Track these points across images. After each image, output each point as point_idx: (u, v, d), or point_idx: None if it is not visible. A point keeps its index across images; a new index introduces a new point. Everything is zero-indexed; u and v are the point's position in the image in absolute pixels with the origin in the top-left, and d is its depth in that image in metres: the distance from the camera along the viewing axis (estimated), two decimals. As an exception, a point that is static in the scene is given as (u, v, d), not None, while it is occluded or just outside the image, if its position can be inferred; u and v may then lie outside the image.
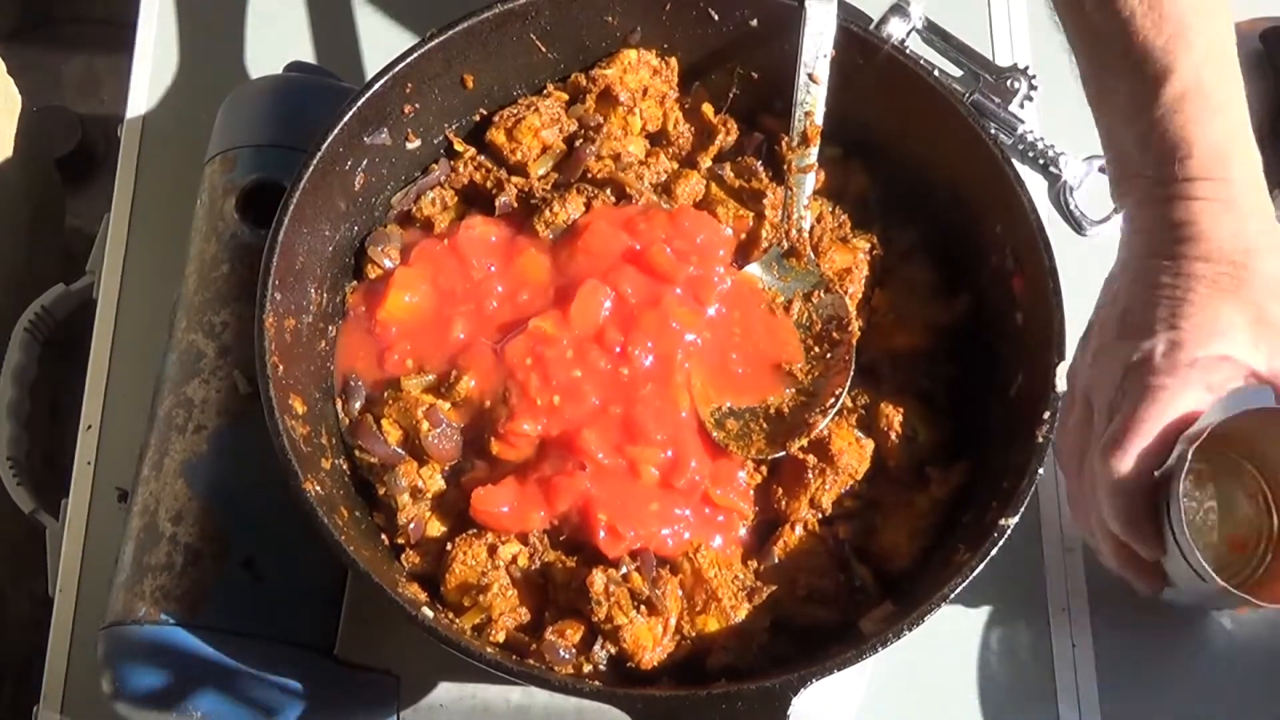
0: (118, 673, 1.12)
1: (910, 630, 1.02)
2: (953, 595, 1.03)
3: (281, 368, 1.10)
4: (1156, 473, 1.10)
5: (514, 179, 1.26)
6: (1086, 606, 1.30)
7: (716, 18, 1.25)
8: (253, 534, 1.16)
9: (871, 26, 1.45)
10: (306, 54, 1.38)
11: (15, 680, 1.86)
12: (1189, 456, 1.08)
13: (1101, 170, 1.45)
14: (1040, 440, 1.08)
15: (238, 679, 1.12)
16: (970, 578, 1.03)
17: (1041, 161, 1.45)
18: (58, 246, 1.95)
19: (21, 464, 1.42)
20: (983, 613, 1.28)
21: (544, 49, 1.25)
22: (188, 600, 1.13)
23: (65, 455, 1.36)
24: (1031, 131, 1.44)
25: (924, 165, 1.26)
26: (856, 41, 1.23)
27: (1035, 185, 1.44)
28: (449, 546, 1.13)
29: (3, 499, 1.41)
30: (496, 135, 1.26)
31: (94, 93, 2.52)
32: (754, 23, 1.24)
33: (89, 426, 1.35)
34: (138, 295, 1.40)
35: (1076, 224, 1.44)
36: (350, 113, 1.16)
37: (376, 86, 1.17)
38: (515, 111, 1.27)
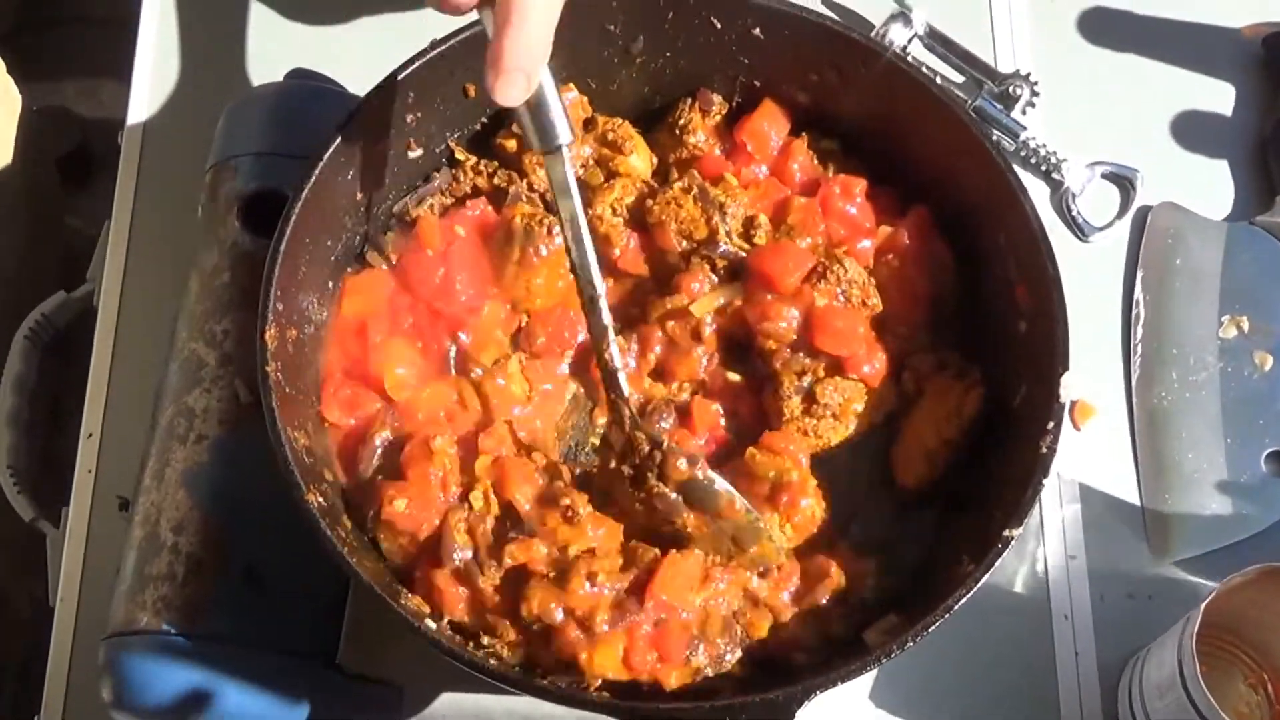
0: (119, 683, 1.12)
1: (914, 642, 1.02)
2: (957, 607, 1.03)
3: (284, 379, 1.10)
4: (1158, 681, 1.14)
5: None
6: (1090, 613, 1.30)
7: (719, 26, 1.24)
8: (254, 544, 1.15)
9: (873, 33, 1.44)
10: (308, 61, 1.37)
11: (15, 682, 1.86)
12: (1193, 649, 1.09)
13: (1103, 176, 1.45)
14: (1044, 451, 1.08)
15: (239, 689, 1.11)
16: (974, 589, 1.03)
17: (1044, 168, 1.45)
18: (57, 247, 1.95)
19: (22, 472, 1.42)
20: (985, 619, 1.27)
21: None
22: (189, 610, 1.12)
23: (66, 463, 1.36)
24: (1034, 138, 1.44)
25: (927, 173, 1.26)
26: (858, 50, 1.23)
27: (1038, 192, 1.44)
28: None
29: (3, 506, 1.41)
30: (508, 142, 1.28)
31: (94, 93, 2.51)
32: (756, 31, 1.24)
33: (89, 435, 1.35)
34: (138, 303, 1.39)
35: (1079, 230, 1.44)
36: (352, 121, 1.15)
37: (379, 95, 1.17)
38: None
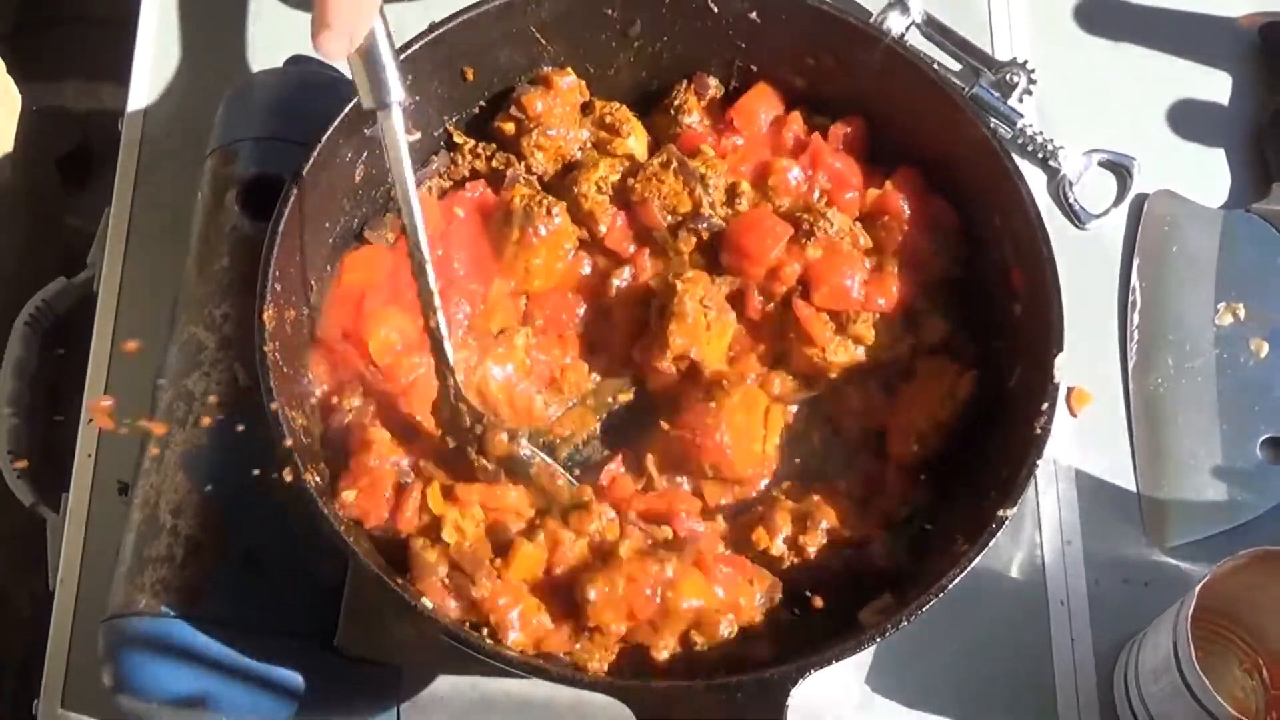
0: (118, 665, 1.12)
1: (909, 621, 1.02)
2: (950, 586, 1.03)
3: (281, 359, 1.10)
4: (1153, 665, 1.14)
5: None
6: (1085, 599, 1.30)
7: (716, 10, 1.25)
8: (253, 526, 1.15)
9: (871, 20, 1.45)
10: (307, 47, 1.38)
11: (16, 676, 1.86)
12: (1189, 633, 1.09)
13: (1100, 164, 1.46)
14: (1038, 431, 1.09)
15: (238, 671, 1.11)
16: (968, 569, 1.03)
17: (1041, 155, 1.45)
18: (57, 247, 1.95)
19: (22, 457, 1.42)
20: (982, 604, 1.27)
21: (544, 41, 1.26)
22: (188, 592, 1.12)
23: (66, 449, 1.36)
24: (1030, 125, 1.44)
25: (923, 158, 1.26)
26: (856, 35, 1.24)
27: (1034, 179, 1.43)
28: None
29: (3, 494, 1.41)
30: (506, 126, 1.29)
31: (94, 92, 2.51)
32: (753, 15, 1.25)
33: (90, 420, 1.35)
34: (138, 289, 1.40)
35: (1075, 217, 1.44)
36: (350, 106, 1.16)
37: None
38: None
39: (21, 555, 1.48)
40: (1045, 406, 1.09)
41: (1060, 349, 1.10)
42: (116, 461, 1.32)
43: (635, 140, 1.29)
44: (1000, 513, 1.06)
